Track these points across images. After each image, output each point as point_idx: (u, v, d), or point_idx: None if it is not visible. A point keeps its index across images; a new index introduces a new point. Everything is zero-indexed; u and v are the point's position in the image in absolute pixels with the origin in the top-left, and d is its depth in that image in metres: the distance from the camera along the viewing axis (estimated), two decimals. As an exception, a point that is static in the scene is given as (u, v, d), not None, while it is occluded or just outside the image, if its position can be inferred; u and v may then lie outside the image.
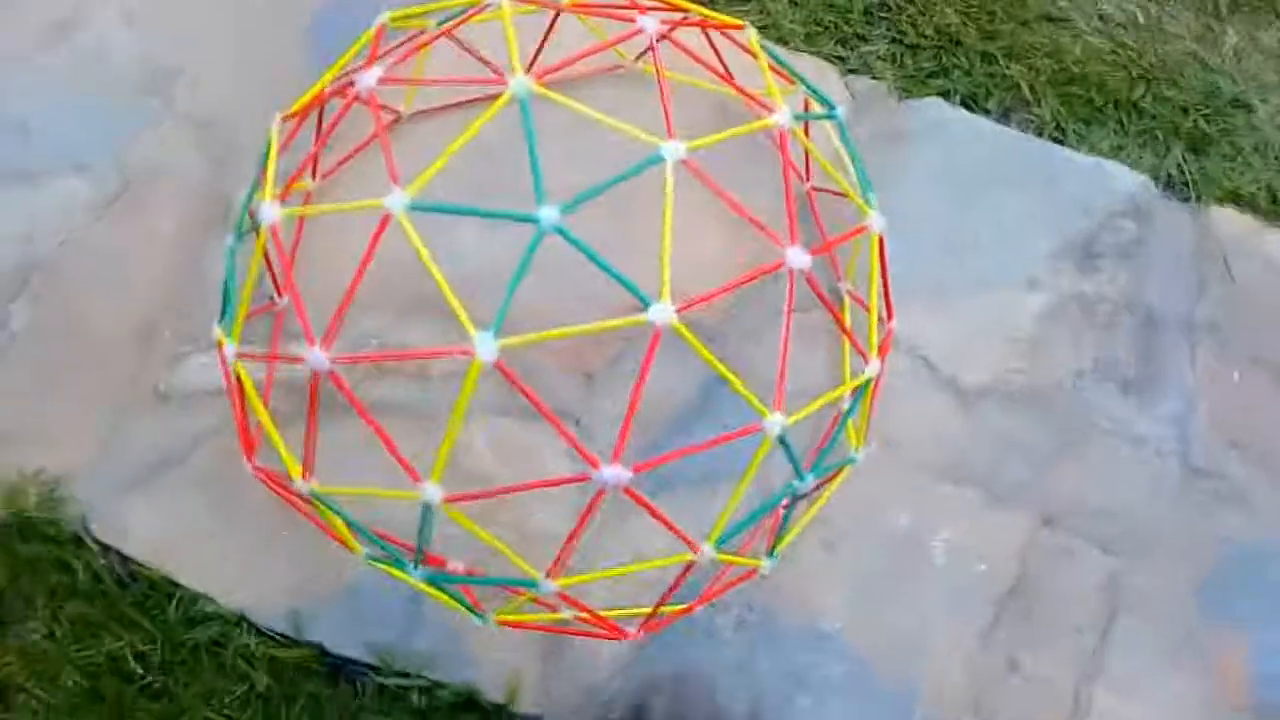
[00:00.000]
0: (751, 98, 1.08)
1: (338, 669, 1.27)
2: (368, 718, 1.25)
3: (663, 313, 0.96)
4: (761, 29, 1.47)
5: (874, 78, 1.46)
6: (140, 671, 1.26)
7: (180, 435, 1.31)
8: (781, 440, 1.02)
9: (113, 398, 1.33)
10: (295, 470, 1.07)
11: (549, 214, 0.95)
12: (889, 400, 1.31)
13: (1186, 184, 1.43)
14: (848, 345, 1.30)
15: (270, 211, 1.04)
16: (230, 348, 1.08)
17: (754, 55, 1.15)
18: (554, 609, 1.10)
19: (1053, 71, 1.48)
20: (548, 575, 1.04)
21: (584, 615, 1.10)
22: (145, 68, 1.47)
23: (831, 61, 1.47)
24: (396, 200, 0.97)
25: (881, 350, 1.17)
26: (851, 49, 1.48)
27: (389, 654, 1.25)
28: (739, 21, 1.18)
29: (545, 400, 1.34)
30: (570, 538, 1.01)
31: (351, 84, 1.06)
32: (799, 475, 1.07)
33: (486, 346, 0.94)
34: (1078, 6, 1.52)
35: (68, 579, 1.28)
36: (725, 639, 1.25)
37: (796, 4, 1.49)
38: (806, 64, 1.46)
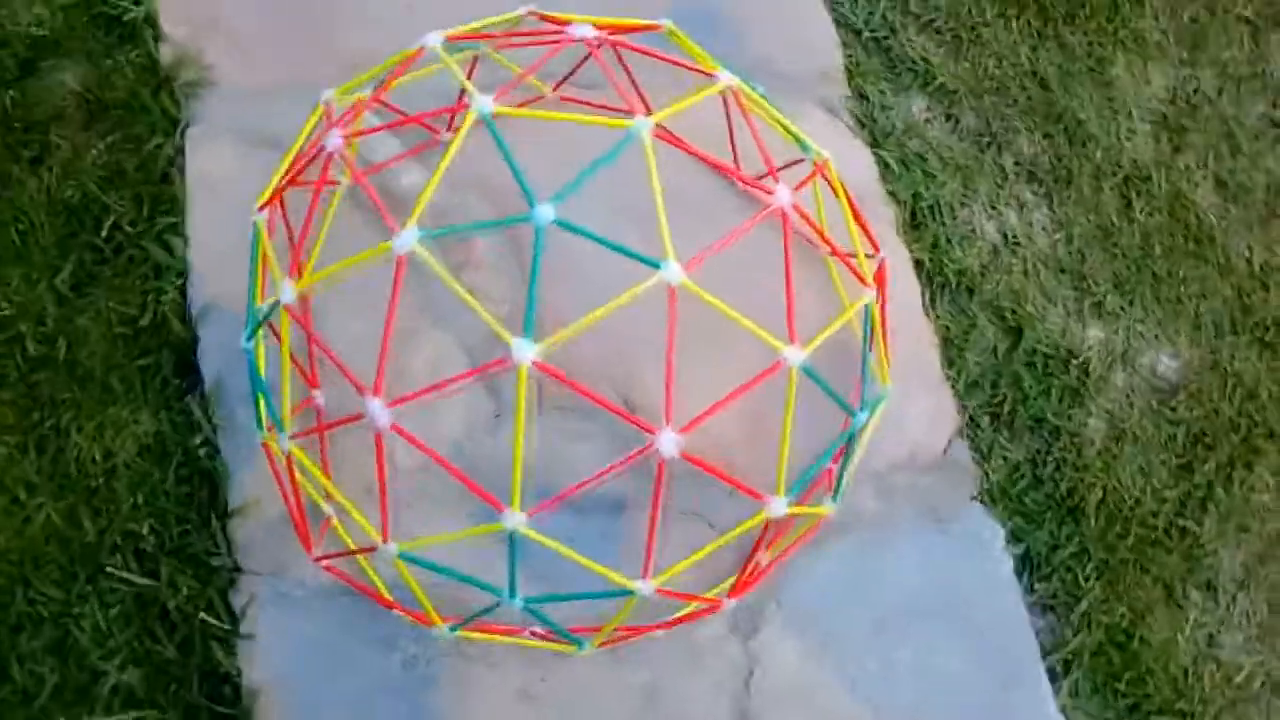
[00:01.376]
0: (788, 274, 1.09)
1: (188, 369, 1.36)
2: (166, 415, 1.34)
3: (522, 350, 0.98)
4: (945, 332, 1.45)
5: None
6: (106, 237, 1.43)
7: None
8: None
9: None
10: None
11: (544, 212, 1.00)
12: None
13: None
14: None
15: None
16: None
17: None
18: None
19: (1117, 631, 1.33)
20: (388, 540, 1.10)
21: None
22: None
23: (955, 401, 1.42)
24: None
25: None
26: (984, 449, 1.40)
27: (220, 403, 1.33)
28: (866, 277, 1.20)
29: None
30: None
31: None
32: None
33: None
34: (1209, 610, 1.35)
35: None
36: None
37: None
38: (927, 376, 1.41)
